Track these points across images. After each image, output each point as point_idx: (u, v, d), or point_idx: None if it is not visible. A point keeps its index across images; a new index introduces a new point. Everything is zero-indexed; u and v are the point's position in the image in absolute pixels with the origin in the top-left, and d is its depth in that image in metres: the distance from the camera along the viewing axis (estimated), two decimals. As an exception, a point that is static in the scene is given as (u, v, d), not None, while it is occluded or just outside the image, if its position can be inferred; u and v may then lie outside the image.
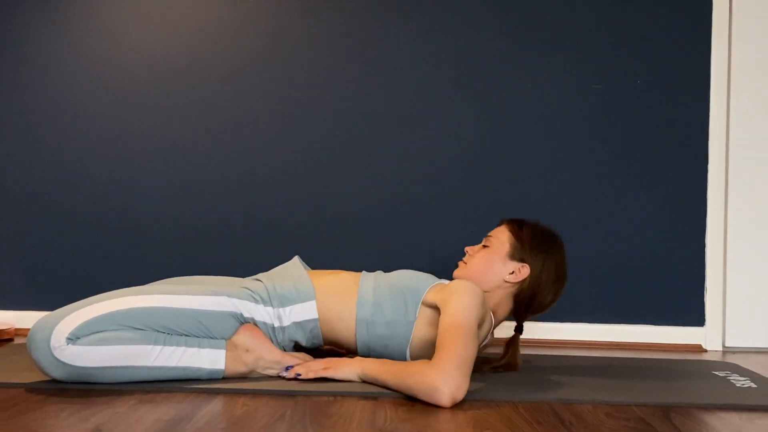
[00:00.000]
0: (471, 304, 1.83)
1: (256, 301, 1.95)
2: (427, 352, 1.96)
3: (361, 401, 1.72)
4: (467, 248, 2.16)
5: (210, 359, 1.85)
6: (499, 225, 2.17)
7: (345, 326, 1.99)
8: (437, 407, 1.67)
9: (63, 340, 1.73)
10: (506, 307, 2.09)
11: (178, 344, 1.82)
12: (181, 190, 2.74)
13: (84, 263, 2.72)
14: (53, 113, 2.74)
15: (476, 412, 1.64)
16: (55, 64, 2.75)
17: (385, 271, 2.13)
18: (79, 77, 2.75)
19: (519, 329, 2.12)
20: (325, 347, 2.13)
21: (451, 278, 2.14)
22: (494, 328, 2.08)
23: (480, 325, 1.90)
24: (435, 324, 1.94)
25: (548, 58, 2.76)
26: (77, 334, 1.74)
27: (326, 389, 1.79)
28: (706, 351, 2.71)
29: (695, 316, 2.75)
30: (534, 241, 2.08)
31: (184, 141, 2.74)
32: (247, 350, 1.89)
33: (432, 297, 1.96)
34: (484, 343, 2.04)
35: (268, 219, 2.73)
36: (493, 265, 2.07)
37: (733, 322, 2.75)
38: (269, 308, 1.96)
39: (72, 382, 1.77)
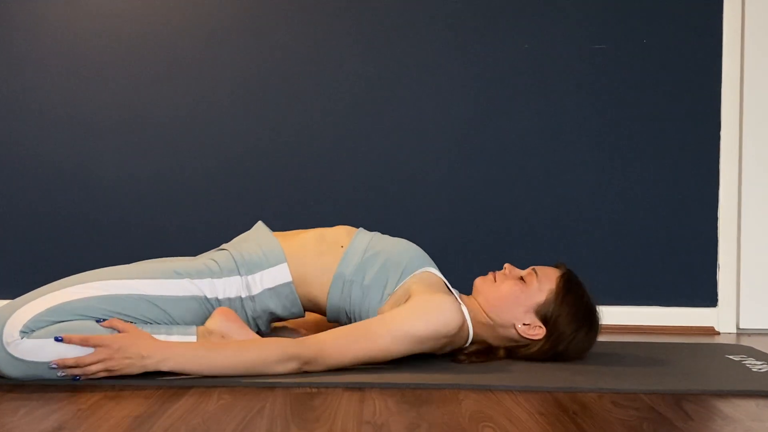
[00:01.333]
0: (431, 327, 1.85)
1: (220, 274, 1.94)
2: None
3: (347, 392, 1.70)
4: (507, 266, 2.08)
5: (179, 347, 1.82)
6: (555, 266, 2.09)
7: (319, 282, 1.99)
8: (429, 399, 1.65)
9: (17, 334, 1.71)
10: (495, 342, 2.04)
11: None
12: (148, 170, 2.72)
13: (44, 250, 2.70)
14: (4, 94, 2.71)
15: (472, 403, 1.63)
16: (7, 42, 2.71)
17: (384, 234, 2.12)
18: (33, 53, 2.70)
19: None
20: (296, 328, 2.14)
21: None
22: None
23: (433, 346, 1.91)
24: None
25: (545, 16, 2.74)
26: (32, 327, 1.72)
27: (309, 380, 1.77)
28: (718, 333, 2.72)
29: (707, 296, 2.76)
30: (569, 316, 2.00)
31: (153, 119, 2.73)
32: (222, 336, 1.86)
33: (412, 282, 1.95)
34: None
35: (249, 201, 2.71)
36: (516, 306, 2.01)
37: (748, 302, 2.76)
38: (236, 278, 1.95)
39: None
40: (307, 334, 2.27)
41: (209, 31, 2.73)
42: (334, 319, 2.03)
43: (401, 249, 2.04)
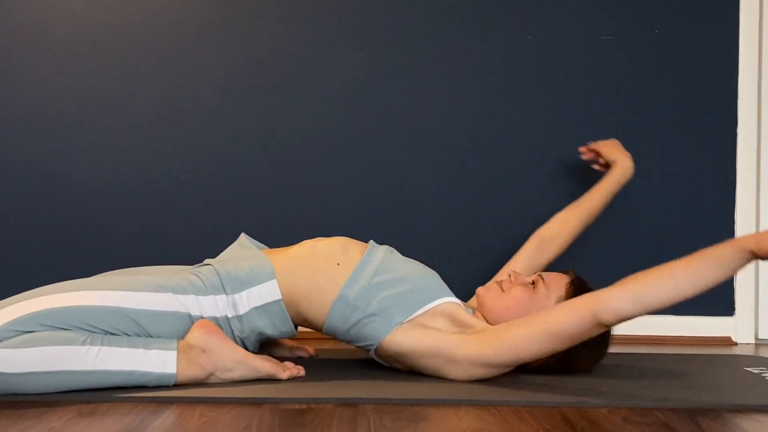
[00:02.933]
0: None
1: (205, 291, 1.94)
2: (389, 361, 2.02)
3: (339, 408, 1.70)
4: (512, 273, 2.12)
5: (159, 362, 1.82)
6: (563, 272, 2.11)
7: (317, 302, 1.99)
8: (427, 415, 1.66)
9: (-18, 345, 1.71)
10: None
11: (119, 344, 1.80)
12: (131, 174, 2.72)
13: (22, 256, 2.69)
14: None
15: (473, 420, 1.63)
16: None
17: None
18: (9, 50, 2.70)
19: None
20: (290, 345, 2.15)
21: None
22: None
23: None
24: (418, 340, 1.95)
25: (548, 5, 2.75)
26: (-1, 336, 1.72)
27: (297, 395, 1.77)
28: (736, 344, 2.73)
29: (723, 305, 2.76)
30: None
31: (137, 119, 2.72)
32: (204, 351, 1.86)
33: (436, 317, 1.98)
34: None
35: (237, 205, 2.72)
36: (523, 314, 2.02)
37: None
38: (221, 296, 1.95)
39: (-2, 396, 1.75)
40: (300, 347, 2.29)
41: (197, 28, 2.72)
42: (329, 334, 2.04)
43: (418, 273, 2.05)
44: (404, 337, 1.96)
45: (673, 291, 1.74)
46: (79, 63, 2.71)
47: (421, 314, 1.98)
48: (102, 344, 1.78)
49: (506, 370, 1.94)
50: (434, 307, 1.99)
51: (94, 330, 1.80)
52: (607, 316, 1.77)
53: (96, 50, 2.71)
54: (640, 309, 1.76)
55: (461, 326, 1.99)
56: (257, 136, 2.72)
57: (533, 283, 2.09)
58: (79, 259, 2.67)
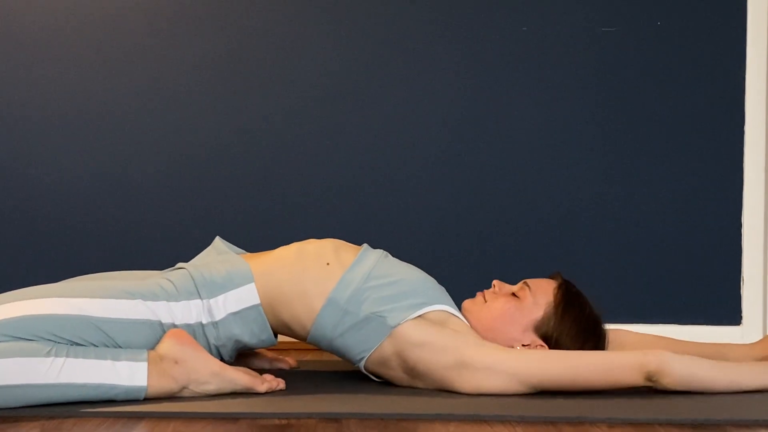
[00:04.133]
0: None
1: (177, 296, 1.93)
2: (383, 370, 1.99)
3: (321, 423, 1.70)
4: (496, 283, 2.11)
5: (128, 374, 1.81)
6: (549, 277, 2.11)
7: (303, 305, 1.97)
8: (412, 428, 1.65)
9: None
10: None
11: (86, 356, 1.79)
12: (94, 170, 2.71)
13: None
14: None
15: (464, 436, 1.63)
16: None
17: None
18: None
19: None
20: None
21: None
22: None
23: None
24: (427, 333, 1.93)
25: (547, -6, 2.75)
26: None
27: (277, 409, 1.76)
28: (743, 355, 2.72)
29: (730, 313, 2.77)
30: (573, 330, 2.02)
31: (99, 111, 2.72)
32: (176, 362, 1.85)
33: (430, 324, 1.95)
34: None
35: (209, 205, 2.70)
36: (511, 325, 2.02)
37: (776, 320, 2.77)
38: (196, 301, 1.94)
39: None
40: (280, 359, 2.28)
41: (165, 10, 2.71)
42: (313, 343, 2.03)
43: (413, 277, 2.04)
44: (403, 339, 1.93)
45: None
46: (45, 55, 2.70)
47: (416, 319, 1.96)
48: (67, 356, 1.77)
49: (521, 388, 1.91)
50: (428, 313, 1.97)
51: (59, 340, 1.79)
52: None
53: (64, 42, 2.70)
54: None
55: None
56: (238, 133, 2.73)
57: (517, 292, 2.08)
58: (45, 263, 2.67)
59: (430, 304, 1.98)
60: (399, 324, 1.93)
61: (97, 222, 2.70)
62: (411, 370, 1.96)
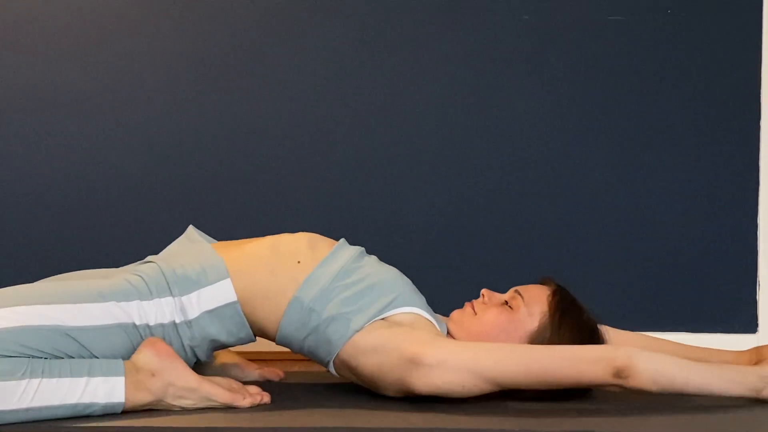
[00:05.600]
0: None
1: (149, 294, 1.93)
2: (349, 375, 1.98)
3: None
4: (485, 292, 2.09)
5: (105, 391, 1.81)
6: (540, 282, 2.09)
7: (272, 304, 1.97)
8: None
9: None
10: None
11: (61, 374, 1.79)
12: (64, 171, 2.72)
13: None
14: None
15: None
16: None
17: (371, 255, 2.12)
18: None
19: None
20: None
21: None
22: None
23: None
24: (378, 339, 1.92)
25: (550, -19, 2.75)
26: None
27: (260, 424, 1.76)
28: (759, 364, 2.72)
29: (745, 320, 2.77)
30: (570, 341, 1.98)
31: (67, 107, 2.72)
32: (153, 374, 1.85)
33: (397, 323, 1.94)
34: None
35: (183, 205, 2.70)
36: (504, 338, 2.00)
37: (795, 328, 2.77)
38: (167, 299, 1.94)
39: None
40: (266, 369, 2.26)
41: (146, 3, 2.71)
42: (284, 345, 2.03)
43: (389, 278, 2.02)
44: (362, 341, 1.93)
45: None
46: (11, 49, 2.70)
47: (379, 321, 1.95)
48: (42, 375, 1.77)
49: (482, 385, 1.86)
50: (395, 315, 1.96)
51: (35, 353, 1.79)
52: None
53: (30, 34, 2.70)
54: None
55: None
56: (220, 129, 2.74)
57: (509, 301, 2.06)
58: (14, 261, 2.68)
59: (399, 306, 1.97)
60: (363, 327, 1.93)
61: (68, 222, 2.71)
62: (366, 377, 1.96)
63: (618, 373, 1.81)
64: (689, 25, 2.75)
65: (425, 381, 1.86)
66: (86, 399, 1.79)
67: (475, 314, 2.05)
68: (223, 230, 2.63)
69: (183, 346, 1.95)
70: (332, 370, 2.00)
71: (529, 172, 2.74)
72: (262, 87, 2.73)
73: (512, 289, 2.07)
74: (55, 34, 2.69)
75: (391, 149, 2.74)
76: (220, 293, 1.96)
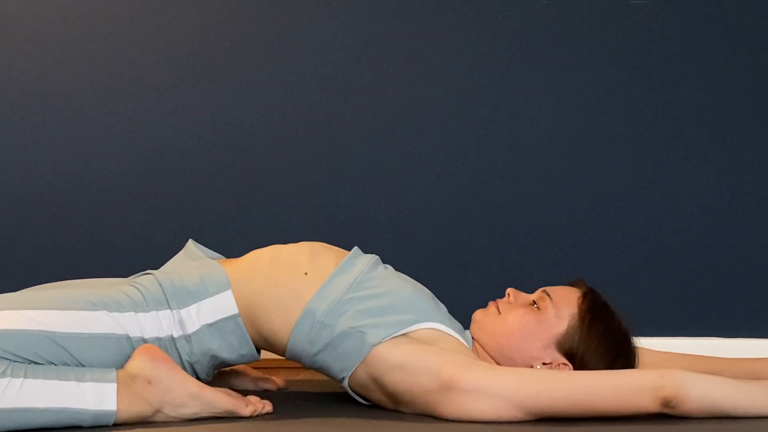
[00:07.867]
0: None
1: (146, 306, 1.93)
2: (366, 393, 1.98)
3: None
4: (511, 291, 2.10)
5: (95, 397, 1.81)
6: (571, 284, 2.10)
7: (279, 317, 1.97)
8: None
9: None
10: None
11: (46, 376, 1.79)
12: (52, 170, 2.73)
13: None
14: None
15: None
16: None
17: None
18: None
19: None
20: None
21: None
22: None
23: None
24: (384, 371, 1.91)
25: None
26: None
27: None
28: (792, 371, 2.73)
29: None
30: (601, 346, 2.00)
31: (55, 104, 2.75)
32: (149, 382, 1.85)
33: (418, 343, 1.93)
34: None
35: (180, 209, 2.72)
36: (530, 341, 2.01)
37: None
38: (165, 312, 1.94)
39: None
40: (266, 378, 2.28)
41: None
42: (293, 359, 2.02)
43: (406, 290, 2.02)
44: (384, 357, 1.92)
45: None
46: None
47: (401, 336, 1.94)
48: (25, 376, 1.77)
49: (518, 414, 1.84)
50: (417, 331, 1.96)
51: (15, 359, 1.79)
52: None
53: (23, 30, 2.72)
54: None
55: None
56: (218, 131, 2.76)
57: (537, 301, 2.06)
58: (7, 270, 2.70)
59: (419, 322, 1.96)
60: (381, 342, 1.92)
61: (52, 224, 2.73)
62: (390, 395, 1.95)
63: (666, 403, 1.81)
64: (716, 10, 2.76)
65: (457, 406, 1.85)
66: (75, 404, 1.79)
67: (500, 314, 2.06)
68: (223, 230, 2.67)
69: (182, 362, 1.95)
70: (346, 386, 1.99)
71: (547, 172, 2.75)
72: (262, 87, 2.74)
73: (540, 290, 2.07)
74: (55, 33, 2.71)
75: (399, 148, 2.76)
76: (221, 306, 1.97)
